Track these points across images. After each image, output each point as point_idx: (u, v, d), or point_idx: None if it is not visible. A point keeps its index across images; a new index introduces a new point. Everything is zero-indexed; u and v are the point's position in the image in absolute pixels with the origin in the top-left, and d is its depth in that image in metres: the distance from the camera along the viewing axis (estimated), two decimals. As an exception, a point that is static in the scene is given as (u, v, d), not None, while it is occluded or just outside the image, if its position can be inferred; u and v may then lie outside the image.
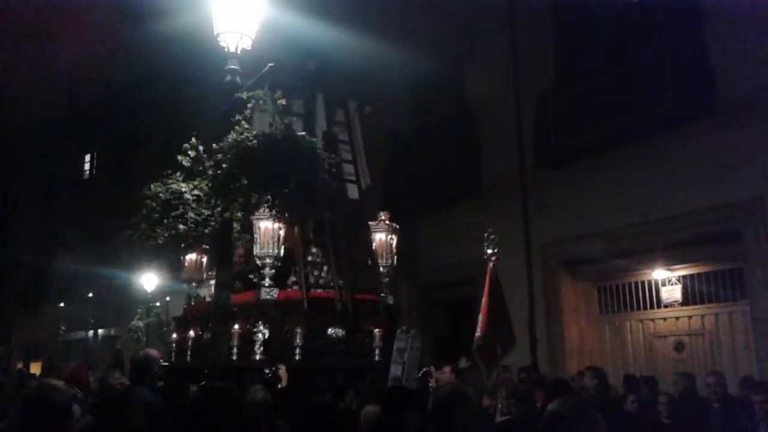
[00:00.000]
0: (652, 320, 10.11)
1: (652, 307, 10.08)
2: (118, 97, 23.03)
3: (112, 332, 21.58)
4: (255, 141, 6.26)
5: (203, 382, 5.51)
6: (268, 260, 6.59)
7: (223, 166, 6.44)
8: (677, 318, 9.83)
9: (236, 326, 6.63)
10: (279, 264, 6.71)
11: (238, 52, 7.31)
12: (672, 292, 9.81)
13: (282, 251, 6.81)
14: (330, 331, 6.57)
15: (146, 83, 21.06)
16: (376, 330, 6.68)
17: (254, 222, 7.05)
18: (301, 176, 6.39)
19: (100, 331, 21.83)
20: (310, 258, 7.32)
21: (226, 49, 7.28)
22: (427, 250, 12.39)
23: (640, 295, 10.21)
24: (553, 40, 10.87)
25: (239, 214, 6.74)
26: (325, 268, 7.32)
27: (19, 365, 23.56)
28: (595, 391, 6.59)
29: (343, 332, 6.59)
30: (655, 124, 8.92)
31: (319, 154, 6.69)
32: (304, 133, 6.58)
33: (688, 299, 9.68)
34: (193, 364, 7.03)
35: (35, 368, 20.53)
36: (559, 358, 10.21)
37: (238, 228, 7.17)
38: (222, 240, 6.37)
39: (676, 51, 8.87)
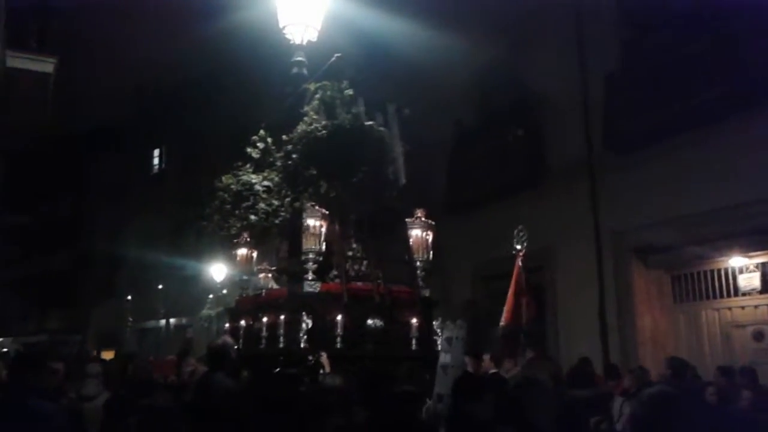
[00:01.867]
0: (729, 309, 9.75)
1: (729, 296, 9.72)
2: (185, 92, 23.59)
3: (184, 321, 22.20)
4: (324, 131, 6.34)
5: (278, 369, 5.65)
6: (311, 255, 6.82)
7: (293, 156, 6.54)
8: (756, 306, 9.45)
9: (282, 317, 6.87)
10: (321, 259, 6.96)
11: (304, 43, 7.40)
12: (750, 280, 9.45)
13: (324, 247, 7.04)
14: (369, 321, 6.83)
15: (213, 78, 21.51)
16: (413, 321, 6.88)
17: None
18: (369, 165, 6.45)
19: (171, 320, 22.49)
20: (350, 253, 7.55)
21: (291, 42, 7.37)
22: (491, 239, 12.27)
23: (716, 283, 9.85)
24: (619, 20, 10.57)
25: (309, 204, 6.83)
26: (364, 262, 7.56)
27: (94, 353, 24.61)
28: (670, 381, 6.42)
29: (381, 322, 6.85)
30: (731, 104, 8.57)
31: (387, 143, 6.73)
32: (371, 122, 6.60)
33: (767, 287, 9.30)
34: (248, 352, 7.22)
35: (107, 356, 21.37)
36: (631, 348, 9.98)
37: (323, 210, 7.20)
38: (293, 230, 6.45)
39: (750, 28, 8.47)
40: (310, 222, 6.80)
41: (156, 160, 26.95)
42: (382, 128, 6.62)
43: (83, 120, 27.71)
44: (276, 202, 7.57)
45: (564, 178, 11.09)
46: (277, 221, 7.46)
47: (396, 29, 13.18)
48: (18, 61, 7.61)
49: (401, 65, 13.55)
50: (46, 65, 7.95)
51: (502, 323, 6.71)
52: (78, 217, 30.80)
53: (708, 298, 9.95)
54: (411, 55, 13.24)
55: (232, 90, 20.12)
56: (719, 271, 9.82)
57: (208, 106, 21.69)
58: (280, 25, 7.40)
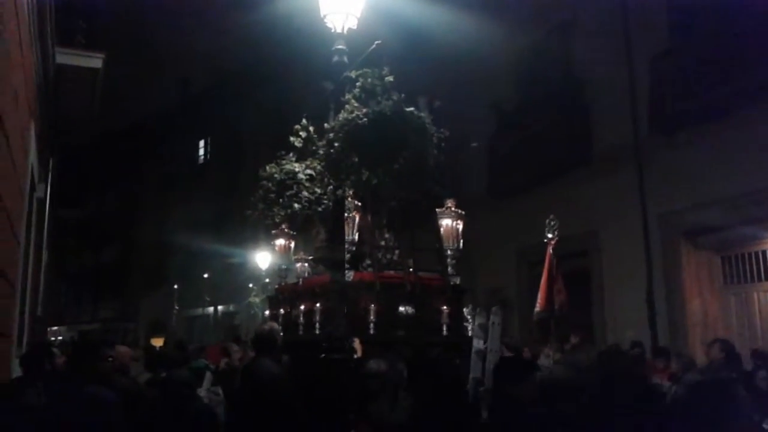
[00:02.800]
0: (782, 290, 9.51)
1: (781, 277, 9.47)
2: (228, 83, 23.89)
3: (231, 309, 22.63)
4: (365, 119, 6.35)
5: (323, 355, 5.72)
6: (346, 246, 6.94)
7: (335, 145, 6.57)
8: (810, 288, 9.19)
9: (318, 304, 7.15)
10: (354, 248, 7.16)
11: (345, 32, 7.41)
12: (804, 260, 9.18)
13: (357, 236, 7.24)
14: (400, 308, 7.01)
15: (255, 69, 21.73)
16: (444, 308, 7.06)
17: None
18: (411, 152, 6.44)
19: (219, 307, 22.94)
20: (383, 242, 7.71)
21: (332, 30, 7.39)
22: (536, 224, 12.16)
23: (769, 265, 9.60)
24: (666, 1, 10.32)
25: (351, 191, 6.87)
26: (396, 251, 7.74)
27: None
28: (722, 365, 6.29)
29: (413, 310, 7.02)
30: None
31: (428, 129, 6.71)
32: (412, 108, 6.60)
33: (822, 267, 9.04)
34: (286, 338, 7.42)
35: (157, 342, 21.93)
36: (680, 331, 9.81)
37: (356, 202, 7.34)
38: (336, 217, 6.51)
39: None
40: (347, 213, 6.92)
41: (201, 151, 27.40)
42: (422, 114, 6.61)
43: (131, 113, 28.34)
44: (319, 190, 7.65)
45: (610, 160, 10.93)
46: (320, 209, 7.54)
47: (435, 14, 13.11)
48: (67, 57, 7.79)
49: (441, 50, 13.49)
50: (95, 61, 8.11)
51: (537, 309, 6.87)
52: (127, 209, 31.57)
53: (760, 279, 9.69)
54: (451, 41, 13.16)
55: (274, 80, 20.31)
56: (771, 252, 9.56)
57: (250, 96, 21.95)
58: (321, 14, 7.43)
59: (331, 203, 7.19)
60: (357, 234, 7.22)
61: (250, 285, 18.11)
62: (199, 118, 25.78)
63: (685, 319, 9.86)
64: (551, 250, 6.85)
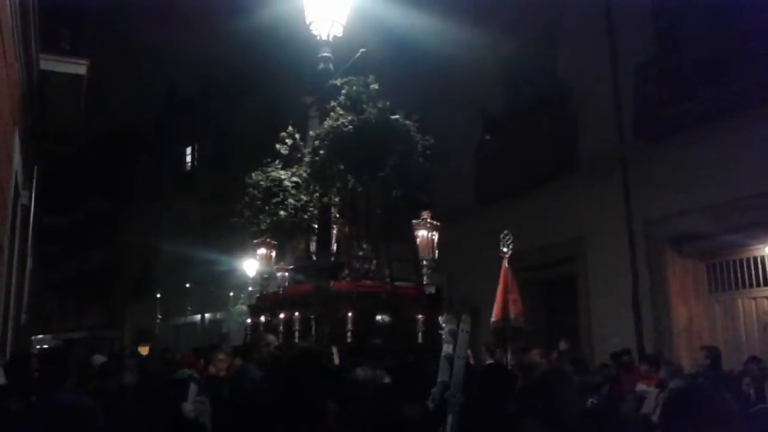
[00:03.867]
0: (767, 298, 9.56)
1: (765, 284, 9.52)
2: (215, 90, 23.83)
3: (218, 316, 22.49)
4: (350, 127, 6.36)
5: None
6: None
7: (320, 152, 6.58)
8: (794, 295, 9.26)
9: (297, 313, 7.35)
10: (333, 259, 7.44)
11: (330, 39, 7.44)
12: (788, 268, 9.24)
13: (335, 247, 7.52)
14: (378, 317, 7.25)
15: (241, 76, 21.69)
16: (419, 316, 7.34)
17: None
18: (396, 159, 6.46)
19: (206, 315, 22.79)
20: (361, 252, 7.89)
21: (318, 38, 7.42)
22: (523, 230, 12.18)
23: (753, 272, 9.65)
24: (651, 7, 10.40)
25: (336, 199, 6.89)
26: (374, 261, 7.97)
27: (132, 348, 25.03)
28: (707, 371, 6.33)
29: (389, 318, 7.28)
30: (763, 91, 8.38)
31: (413, 136, 6.74)
32: (397, 116, 6.62)
33: (807, 275, 9.11)
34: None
35: (144, 350, 21.71)
36: (666, 339, 9.84)
37: (336, 212, 7.41)
38: (321, 224, 6.52)
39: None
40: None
41: (188, 158, 27.27)
42: (408, 122, 6.63)
43: (117, 120, 28.19)
44: (305, 198, 7.65)
45: (595, 168, 10.97)
46: (306, 216, 7.54)
47: (420, 22, 13.17)
48: (51, 64, 7.76)
49: (428, 57, 13.53)
50: (79, 67, 8.08)
51: (492, 319, 7.12)
52: (113, 217, 31.36)
53: (744, 286, 9.76)
54: (437, 47, 13.21)
55: (261, 88, 20.28)
56: (755, 259, 9.62)
57: (237, 104, 21.90)
58: (307, 21, 7.45)
59: (316, 210, 7.20)
60: (335, 245, 7.41)
61: (238, 293, 18.01)
62: (186, 124, 25.69)
63: (670, 326, 9.89)
64: (506, 264, 7.14)
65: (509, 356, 6.96)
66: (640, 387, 7.01)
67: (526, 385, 3.74)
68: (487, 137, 13.19)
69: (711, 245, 9.93)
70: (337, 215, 7.29)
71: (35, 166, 9.85)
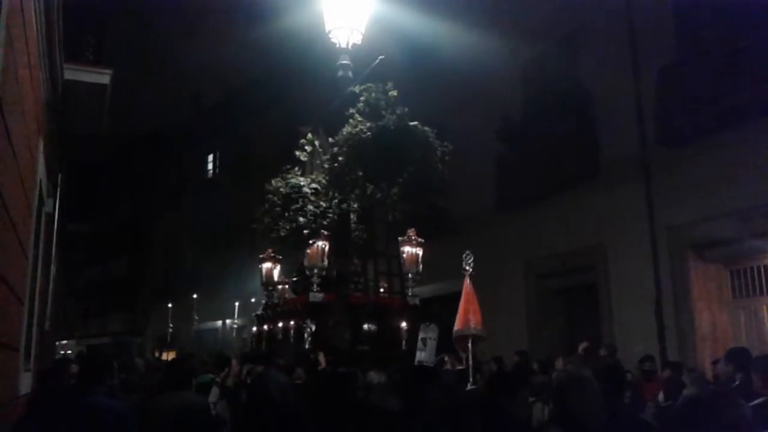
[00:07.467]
0: (792, 304, 9.42)
1: (791, 291, 9.39)
2: (236, 97, 24.03)
3: (238, 322, 22.59)
4: (369, 133, 6.39)
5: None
6: (316, 271, 7.87)
7: (339, 159, 6.61)
8: (820, 301, 9.10)
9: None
10: (324, 273, 8.01)
11: (350, 47, 7.48)
12: (813, 274, 9.09)
13: (327, 263, 8.03)
14: (365, 326, 7.91)
15: (263, 84, 21.85)
16: (403, 325, 8.07)
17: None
18: (414, 166, 6.47)
19: (227, 321, 22.91)
20: (351, 267, 8.41)
21: (337, 45, 7.46)
22: (543, 237, 12.16)
23: (778, 278, 9.52)
24: (672, 11, 10.32)
25: (356, 205, 6.91)
26: (362, 276, 8.59)
27: (156, 354, 25.27)
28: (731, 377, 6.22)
29: (375, 327, 7.95)
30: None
31: (432, 143, 6.74)
32: (416, 123, 6.63)
33: (833, 281, 8.95)
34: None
35: (168, 356, 21.92)
36: (689, 345, 9.72)
37: (354, 219, 7.52)
38: (341, 230, 6.55)
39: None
40: (317, 242, 7.69)
41: (210, 165, 27.50)
42: (426, 128, 6.64)
43: (140, 128, 28.52)
44: (324, 204, 7.69)
45: (617, 173, 10.88)
46: (325, 222, 7.58)
47: (439, 29, 13.18)
48: (75, 74, 7.88)
49: (447, 64, 13.53)
50: (103, 77, 8.20)
51: (455, 328, 7.53)
52: (136, 223, 31.69)
53: (769, 293, 9.62)
54: (457, 54, 13.21)
55: (282, 95, 20.42)
56: (780, 265, 9.48)
57: (258, 110, 22.06)
58: (326, 30, 7.51)
59: (336, 217, 7.24)
60: (326, 260, 7.89)
61: (259, 299, 18.08)
62: (208, 131, 25.92)
63: (693, 333, 9.78)
64: (468, 281, 7.64)
65: (471, 360, 7.39)
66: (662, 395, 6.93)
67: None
68: (507, 144, 13.15)
69: (734, 251, 9.81)
70: (326, 232, 7.67)
71: (59, 174, 9.99)
